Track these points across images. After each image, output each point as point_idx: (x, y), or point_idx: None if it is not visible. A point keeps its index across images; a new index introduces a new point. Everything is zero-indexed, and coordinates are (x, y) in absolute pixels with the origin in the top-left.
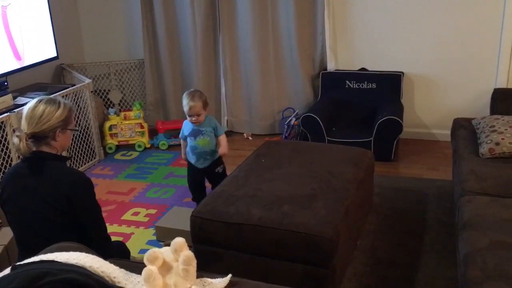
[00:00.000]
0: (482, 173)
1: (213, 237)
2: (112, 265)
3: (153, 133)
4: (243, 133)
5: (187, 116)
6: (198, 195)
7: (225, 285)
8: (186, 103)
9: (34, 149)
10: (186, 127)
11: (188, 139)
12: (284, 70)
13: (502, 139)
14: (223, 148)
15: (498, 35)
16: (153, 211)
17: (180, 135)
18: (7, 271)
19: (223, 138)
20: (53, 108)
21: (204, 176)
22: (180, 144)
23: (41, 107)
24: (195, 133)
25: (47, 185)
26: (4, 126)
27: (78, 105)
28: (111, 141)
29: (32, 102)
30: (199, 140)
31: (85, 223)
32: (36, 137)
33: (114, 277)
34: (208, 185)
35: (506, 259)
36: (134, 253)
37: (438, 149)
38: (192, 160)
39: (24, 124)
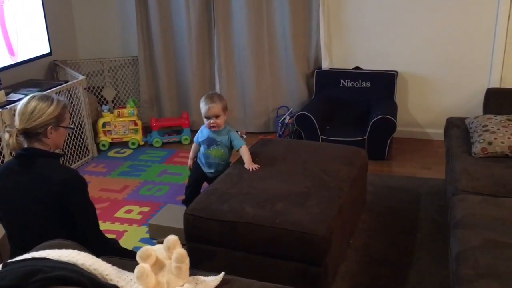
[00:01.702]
0: (475, 172)
1: (206, 235)
2: (104, 262)
3: (147, 130)
4: (237, 131)
5: (204, 121)
6: (192, 197)
7: (218, 283)
8: (204, 104)
9: (25, 145)
10: (202, 133)
11: (202, 146)
12: (278, 68)
13: (495, 138)
14: (249, 165)
15: (491, 35)
16: (146, 209)
17: (194, 139)
18: None
19: (244, 151)
20: (45, 105)
21: (203, 181)
22: (174, 141)
23: (33, 103)
24: (209, 142)
25: (38, 181)
26: None
27: (72, 102)
28: (104, 138)
29: (25, 98)
30: (212, 150)
31: (77, 221)
32: (28, 133)
33: (107, 275)
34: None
35: (497, 258)
36: None
37: (431, 148)
38: (203, 166)
39: (16, 120)
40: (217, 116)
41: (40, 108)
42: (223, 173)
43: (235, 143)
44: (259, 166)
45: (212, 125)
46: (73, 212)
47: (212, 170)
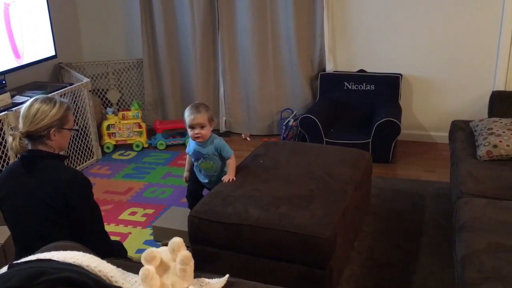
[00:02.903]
0: (480, 175)
1: (210, 237)
2: (109, 264)
3: (151, 133)
4: (241, 134)
5: (189, 131)
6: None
7: (222, 285)
8: (189, 113)
9: (30, 148)
10: (190, 145)
11: (192, 160)
12: (282, 71)
13: (500, 141)
14: (228, 176)
15: (496, 38)
16: (150, 211)
17: (186, 150)
18: (4, 269)
19: (231, 163)
20: (48, 107)
21: (203, 187)
22: (179, 144)
23: (36, 105)
24: (196, 156)
25: (43, 183)
26: (2, 124)
27: (76, 104)
28: (109, 141)
29: (28, 101)
30: (201, 163)
31: (82, 222)
32: (31, 136)
33: (111, 277)
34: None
35: (503, 261)
36: (131, 253)
37: (436, 151)
38: (198, 176)
39: (20, 123)
40: (202, 126)
41: (43, 110)
42: None
43: (223, 154)
44: (234, 179)
45: (196, 135)
46: (78, 213)
47: (207, 181)
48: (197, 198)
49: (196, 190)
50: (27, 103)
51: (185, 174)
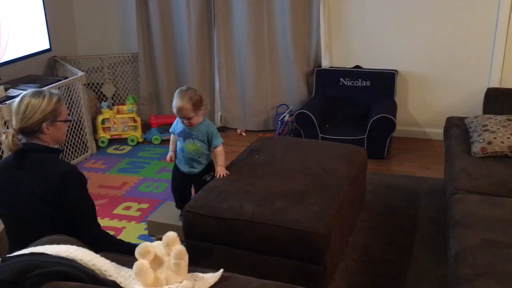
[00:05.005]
0: (474, 171)
1: (205, 232)
2: (103, 258)
3: (146, 127)
4: (236, 129)
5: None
6: (182, 204)
7: (217, 280)
8: (174, 101)
9: (24, 141)
10: (178, 124)
11: (178, 140)
12: (278, 67)
13: (494, 138)
14: (220, 169)
15: (492, 35)
16: (145, 206)
17: (170, 129)
18: None
19: (220, 152)
20: (37, 101)
21: (190, 183)
22: None
23: (25, 101)
24: (185, 135)
25: (37, 177)
26: None
27: (71, 98)
28: (103, 135)
29: (19, 97)
30: (187, 143)
31: (76, 216)
32: (25, 131)
33: (105, 271)
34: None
35: (496, 257)
36: None
37: (430, 148)
38: (179, 162)
39: (13, 120)
40: (188, 118)
41: (32, 105)
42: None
43: (213, 141)
44: (228, 173)
45: (185, 124)
46: (72, 207)
47: (188, 166)
48: (184, 196)
49: (181, 188)
50: (18, 99)
51: (170, 154)
